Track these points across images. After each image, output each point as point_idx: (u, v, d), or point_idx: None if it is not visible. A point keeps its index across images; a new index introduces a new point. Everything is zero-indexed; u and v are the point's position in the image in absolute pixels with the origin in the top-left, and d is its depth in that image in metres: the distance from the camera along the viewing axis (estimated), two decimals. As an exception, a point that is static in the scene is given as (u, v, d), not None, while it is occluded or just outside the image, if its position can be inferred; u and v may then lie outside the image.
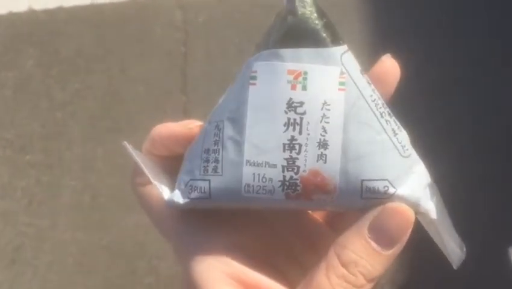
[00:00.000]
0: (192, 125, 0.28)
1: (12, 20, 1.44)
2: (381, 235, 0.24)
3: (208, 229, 0.27)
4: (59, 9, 1.45)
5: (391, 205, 0.25)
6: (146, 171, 0.27)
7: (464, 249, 0.27)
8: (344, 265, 0.24)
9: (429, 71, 1.35)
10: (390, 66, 0.28)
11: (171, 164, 0.28)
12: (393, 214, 0.24)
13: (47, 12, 1.45)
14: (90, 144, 1.31)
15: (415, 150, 0.27)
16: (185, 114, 1.35)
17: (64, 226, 1.23)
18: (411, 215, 0.25)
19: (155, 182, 0.27)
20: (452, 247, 0.27)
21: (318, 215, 0.31)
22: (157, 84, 1.38)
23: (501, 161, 1.29)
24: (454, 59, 1.40)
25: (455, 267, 0.27)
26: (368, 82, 0.26)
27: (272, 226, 0.29)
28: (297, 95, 0.24)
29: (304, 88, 0.24)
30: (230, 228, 0.27)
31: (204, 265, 0.25)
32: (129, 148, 0.27)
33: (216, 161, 0.25)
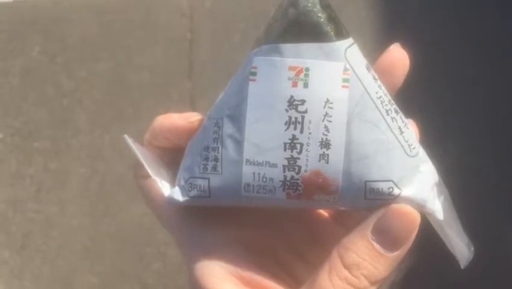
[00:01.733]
0: (193, 118, 0.27)
1: (17, 7, 1.44)
2: (385, 237, 0.24)
3: (209, 224, 0.26)
4: (64, -4, 1.45)
5: (395, 206, 0.24)
6: (146, 165, 0.26)
7: (472, 249, 0.26)
8: (346, 267, 0.23)
9: (439, 60, 1.34)
10: (398, 57, 0.27)
11: (172, 156, 0.28)
12: (397, 216, 0.24)
13: (52, 0, 1.45)
14: (97, 132, 1.31)
15: (423, 146, 0.26)
16: (191, 101, 1.35)
17: (72, 212, 1.24)
18: (416, 216, 0.24)
19: (155, 178, 0.26)
20: (460, 247, 0.26)
21: (324, 209, 0.31)
22: (163, 71, 1.38)
23: None
24: (465, 49, 1.38)
25: (462, 267, 0.26)
26: (375, 78, 0.25)
27: (275, 219, 0.28)
28: (299, 92, 0.23)
29: (306, 85, 0.23)
30: (231, 223, 0.27)
31: (205, 262, 0.25)
32: (130, 141, 0.27)
33: (215, 159, 0.25)
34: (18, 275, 1.19)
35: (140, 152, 0.27)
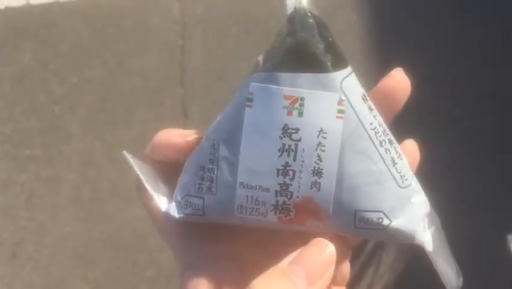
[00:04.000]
0: (191, 137, 0.27)
1: (9, 14, 1.44)
2: (300, 269, 0.23)
3: (202, 239, 0.27)
4: (55, 3, 1.45)
5: (314, 240, 0.24)
6: (145, 181, 0.27)
7: (461, 278, 0.26)
8: None
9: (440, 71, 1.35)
10: (399, 81, 0.27)
11: (171, 170, 0.28)
12: (312, 248, 0.24)
13: (43, 6, 1.45)
14: (88, 138, 1.31)
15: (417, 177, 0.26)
16: (183, 107, 1.35)
17: (64, 219, 1.23)
18: (330, 250, 0.24)
19: (153, 193, 0.27)
20: (449, 275, 0.26)
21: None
22: (155, 77, 1.38)
23: (500, 150, 1.30)
24: (465, 58, 1.40)
25: None
26: (370, 108, 0.25)
27: (267, 238, 0.28)
28: (293, 121, 0.24)
29: (300, 114, 0.24)
30: (224, 238, 0.27)
31: (192, 276, 0.25)
32: (129, 157, 0.27)
33: (211, 180, 0.25)
34: (9, 284, 1.18)
35: (138, 168, 0.27)
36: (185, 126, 0.36)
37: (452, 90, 1.35)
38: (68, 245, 1.21)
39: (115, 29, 1.43)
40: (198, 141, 0.27)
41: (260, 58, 0.25)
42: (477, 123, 1.32)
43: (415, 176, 0.27)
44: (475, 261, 1.18)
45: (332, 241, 0.24)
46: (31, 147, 1.30)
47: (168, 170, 0.28)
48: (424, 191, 0.26)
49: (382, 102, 0.26)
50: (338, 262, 0.26)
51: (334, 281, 0.27)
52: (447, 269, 0.26)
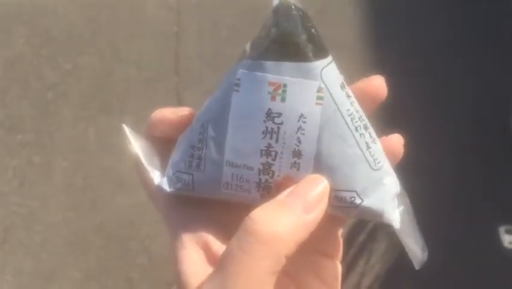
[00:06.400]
0: (182, 112, 0.29)
1: (2, -2, 1.43)
2: (298, 199, 0.25)
3: (190, 206, 0.29)
4: (50, -12, 1.44)
5: (307, 177, 0.26)
6: (141, 154, 0.29)
7: (426, 252, 0.28)
8: (248, 230, 0.24)
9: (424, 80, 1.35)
10: (377, 86, 0.29)
11: (166, 146, 0.30)
12: (307, 182, 0.26)
13: (38, -9, 1.43)
14: (81, 125, 1.30)
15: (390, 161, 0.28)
16: (178, 95, 1.34)
17: (55, 206, 1.23)
18: (324, 183, 0.26)
19: (148, 167, 0.29)
20: (415, 250, 0.28)
21: None
22: (149, 65, 1.37)
23: (495, 144, 1.30)
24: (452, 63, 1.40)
25: (416, 268, 0.28)
26: (348, 95, 0.27)
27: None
28: (276, 106, 0.26)
29: (283, 100, 0.26)
30: (207, 204, 0.29)
31: (179, 236, 0.28)
32: (127, 131, 0.29)
33: (199, 158, 0.27)
34: (0, 269, 1.18)
35: (136, 142, 0.29)
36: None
37: (447, 81, 1.35)
38: (60, 232, 1.21)
39: (109, 16, 1.42)
40: (190, 116, 0.29)
41: (247, 47, 0.27)
42: (471, 116, 1.33)
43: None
44: (467, 253, 1.19)
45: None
46: (23, 133, 1.29)
47: (164, 146, 0.30)
48: (396, 174, 0.28)
49: (359, 99, 0.28)
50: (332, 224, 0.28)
51: (326, 250, 0.29)
52: (413, 245, 0.28)
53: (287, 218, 0.24)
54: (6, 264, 1.18)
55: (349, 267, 1.12)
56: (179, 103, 1.32)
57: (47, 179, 1.25)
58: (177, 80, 1.36)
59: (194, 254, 0.27)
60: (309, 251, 0.29)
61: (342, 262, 0.30)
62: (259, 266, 0.23)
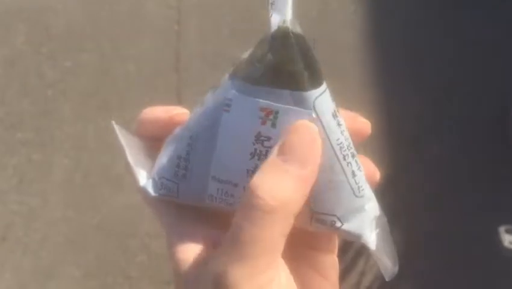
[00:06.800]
0: (174, 112, 0.29)
1: (2, -5, 1.42)
2: (289, 156, 0.25)
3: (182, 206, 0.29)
4: (50, -15, 1.43)
5: (294, 125, 0.25)
6: (128, 152, 0.29)
7: (397, 267, 0.29)
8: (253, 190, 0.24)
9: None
10: (361, 125, 0.29)
11: (157, 146, 0.29)
12: (294, 133, 0.25)
13: (38, -12, 1.43)
14: (81, 123, 1.30)
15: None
16: (177, 93, 1.34)
17: (55, 204, 1.23)
18: (312, 130, 0.25)
19: (134, 167, 0.29)
20: (387, 265, 0.29)
21: None
22: (149, 63, 1.37)
23: (493, 143, 1.30)
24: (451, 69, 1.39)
25: (387, 279, 0.29)
26: (339, 124, 0.27)
27: None
28: (266, 130, 0.26)
29: (273, 125, 0.26)
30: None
31: (175, 230, 0.28)
32: (116, 128, 0.29)
33: (186, 169, 0.28)
34: None
35: (125, 139, 0.29)
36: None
37: (449, 85, 1.35)
38: (59, 230, 1.21)
39: (109, 14, 1.42)
40: (182, 116, 0.29)
41: (243, 56, 0.27)
42: (469, 114, 1.32)
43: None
44: (467, 253, 1.19)
45: None
46: (23, 131, 1.29)
47: (154, 145, 0.30)
48: (376, 197, 0.29)
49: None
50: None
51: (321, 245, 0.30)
52: (386, 260, 0.29)
53: (286, 182, 0.24)
54: (6, 261, 1.18)
55: (348, 267, 1.12)
56: (179, 101, 1.32)
57: (47, 177, 1.25)
58: (177, 78, 1.36)
59: (190, 243, 0.27)
60: (307, 248, 0.29)
61: (338, 256, 0.30)
62: (271, 233, 0.24)
